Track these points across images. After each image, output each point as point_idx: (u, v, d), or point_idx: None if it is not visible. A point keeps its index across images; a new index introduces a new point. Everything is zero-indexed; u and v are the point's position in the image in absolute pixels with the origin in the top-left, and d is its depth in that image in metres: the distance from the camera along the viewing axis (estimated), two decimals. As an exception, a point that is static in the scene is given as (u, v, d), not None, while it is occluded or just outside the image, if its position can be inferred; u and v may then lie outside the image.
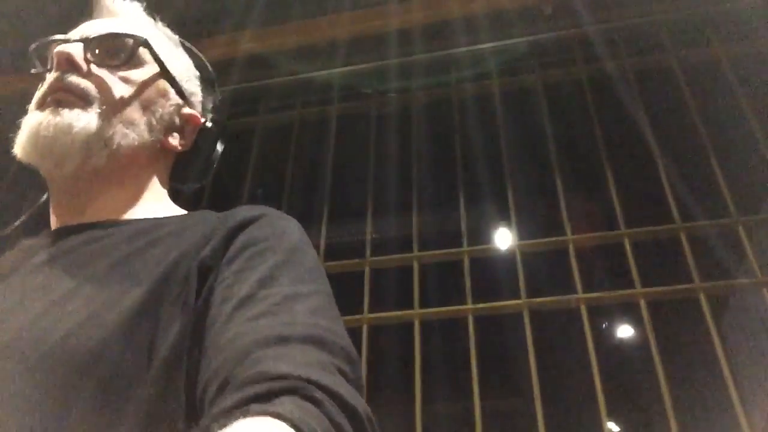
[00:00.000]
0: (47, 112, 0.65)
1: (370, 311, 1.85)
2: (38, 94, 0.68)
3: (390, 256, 2.00)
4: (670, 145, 1.97)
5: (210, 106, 0.83)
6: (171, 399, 0.50)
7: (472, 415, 1.63)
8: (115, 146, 0.67)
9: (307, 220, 2.16)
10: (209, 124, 0.78)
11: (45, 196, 0.74)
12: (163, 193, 0.76)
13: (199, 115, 0.78)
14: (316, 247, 2.03)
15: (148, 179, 0.73)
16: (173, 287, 0.55)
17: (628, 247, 1.77)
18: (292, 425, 0.37)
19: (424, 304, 1.85)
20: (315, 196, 2.16)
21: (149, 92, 0.72)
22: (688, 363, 2.83)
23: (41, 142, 0.64)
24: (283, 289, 0.53)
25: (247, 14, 2.16)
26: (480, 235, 2.22)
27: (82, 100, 0.66)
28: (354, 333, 1.83)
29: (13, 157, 0.66)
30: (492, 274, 2.11)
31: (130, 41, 0.71)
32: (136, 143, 0.69)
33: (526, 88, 2.21)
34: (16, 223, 0.74)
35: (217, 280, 0.56)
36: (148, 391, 0.50)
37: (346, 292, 1.93)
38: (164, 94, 0.73)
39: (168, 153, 0.76)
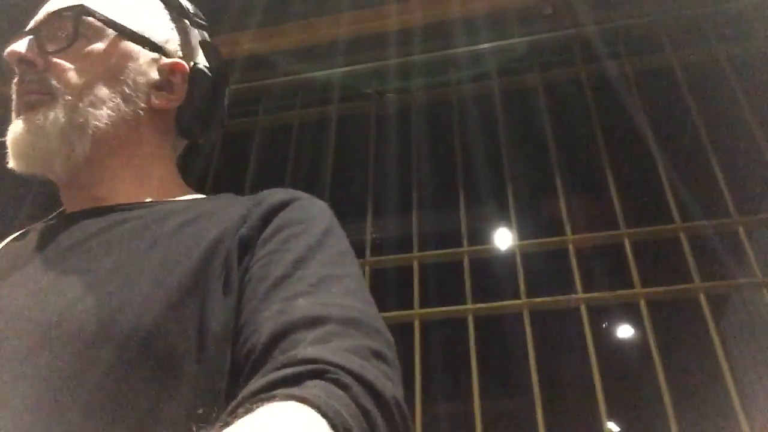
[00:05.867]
0: (21, 119, 0.64)
1: (370, 311, 1.85)
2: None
3: (390, 256, 2.00)
4: (670, 145, 1.97)
5: (196, 42, 0.75)
6: (218, 376, 0.50)
7: (472, 415, 1.63)
8: (92, 130, 0.64)
9: (307, 220, 2.16)
10: (201, 66, 0.72)
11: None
12: (172, 164, 0.72)
13: (182, 61, 0.71)
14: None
15: (152, 150, 0.69)
16: (216, 265, 0.55)
17: (628, 247, 1.77)
18: (318, 410, 0.37)
19: (424, 304, 1.85)
20: (315, 196, 2.15)
21: (111, 61, 0.66)
22: (688, 363, 2.83)
23: (22, 150, 0.63)
24: (318, 270, 0.54)
25: (247, 14, 2.16)
26: (480, 235, 2.22)
27: (46, 96, 0.64)
28: (354, 333, 1.83)
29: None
30: (492, 274, 2.11)
31: (68, 14, 0.66)
32: (114, 119, 0.65)
33: (526, 88, 2.21)
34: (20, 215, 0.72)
35: (252, 260, 0.56)
36: (200, 368, 0.50)
37: (346, 292, 1.93)
38: (131, 56, 0.67)
39: (163, 114, 0.70)
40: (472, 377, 1.69)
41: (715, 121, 1.97)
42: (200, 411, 0.48)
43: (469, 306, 1.79)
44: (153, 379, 0.48)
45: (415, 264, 1.92)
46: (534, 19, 2.15)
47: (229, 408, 0.40)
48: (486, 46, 2.18)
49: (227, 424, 0.38)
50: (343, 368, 0.42)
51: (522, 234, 1.90)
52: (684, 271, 1.70)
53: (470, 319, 1.78)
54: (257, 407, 0.38)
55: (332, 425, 0.37)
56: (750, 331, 2.44)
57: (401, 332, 2.05)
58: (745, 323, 2.47)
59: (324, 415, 0.37)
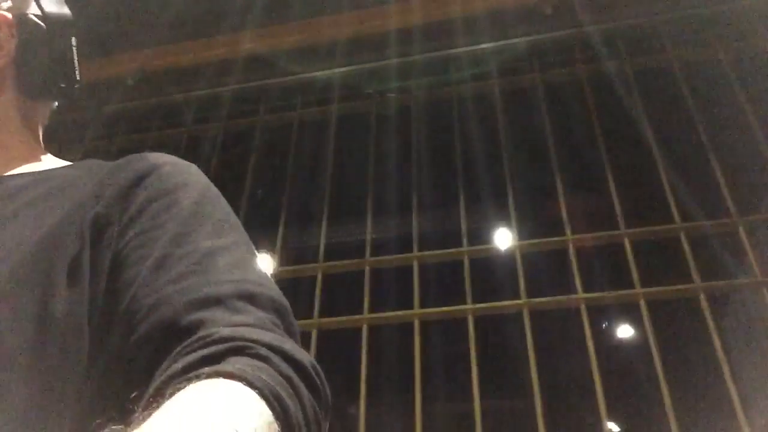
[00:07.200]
0: None
1: (370, 311, 1.85)
2: None
3: (390, 256, 2.00)
4: (670, 145, 1.97)
5: None
6: (69, 369, 0.47)
7: (472, 415, 1.63)
8: None
9: (307, 220, 2.16)
10: (30, 15, 0.66)
11: None
12: (23, 128, 0.67)
13: (4, 13, 0.65)
14: (316, 247, 2.03)
15: None
16: (60, 251, 0.50)
17: (628, 247, 1.77)
18: (246, 382, 0.38)
19: (424, 304, 1.85)
20: (315, 196, 2.16)
21: None
22: (688, 363, 2.82)
23: None
24: (199, 245, 0.50)
25: (247, 14, 2.16)
26: (480, 235, 2.22)
27: None
28: (354, 333, 1.83)
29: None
30: (492, 274, 2.11)
31: None
32: None
33: (526, 88, 2.21)
34: None
35: (120, 242, 0.51)
36: (39, 362, 0.46)
37: (346, 292, 1.94)
38: None
39: None
40: (472, 377, 1.69)
41: (715, 121, 1.97)
42: (41, 405, 0.45)
43: (469, 306, 1.79)
44: None
45: (415, 264, 1.92)
46: (534, 19, 2.16)
47: (153, 389, 0.39)
48: (486, 45, 2.19)
49: (158, 404, 0.37)
50: (258, 342, 0.42)
51: (522, 234, 1.90)
52: (684, 271, 1.70)
53: (470, 319, 1.78)
54: (185, 386, 0.37)
55: (262, 395, 0.38)
56: (750, 331, 2.43)
57: (401, 332, 2.05)
58: (745, 323, 2.47)
59: (252, 386, 0.38)
